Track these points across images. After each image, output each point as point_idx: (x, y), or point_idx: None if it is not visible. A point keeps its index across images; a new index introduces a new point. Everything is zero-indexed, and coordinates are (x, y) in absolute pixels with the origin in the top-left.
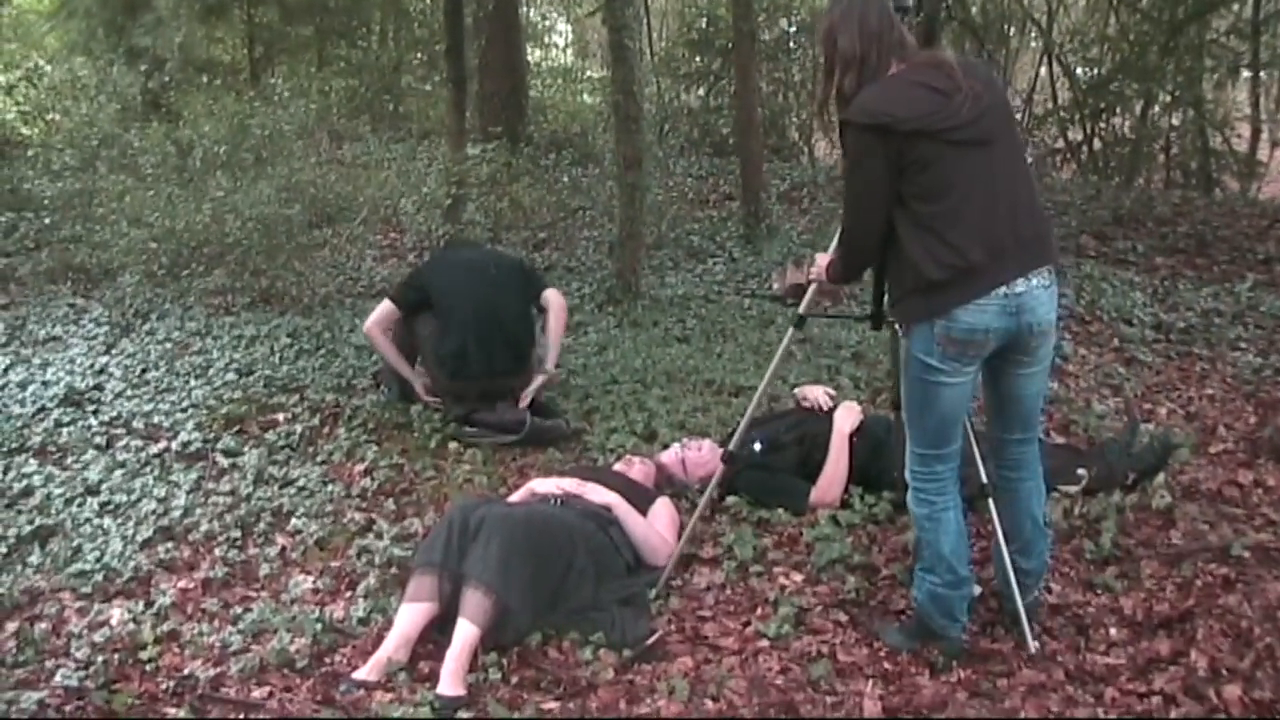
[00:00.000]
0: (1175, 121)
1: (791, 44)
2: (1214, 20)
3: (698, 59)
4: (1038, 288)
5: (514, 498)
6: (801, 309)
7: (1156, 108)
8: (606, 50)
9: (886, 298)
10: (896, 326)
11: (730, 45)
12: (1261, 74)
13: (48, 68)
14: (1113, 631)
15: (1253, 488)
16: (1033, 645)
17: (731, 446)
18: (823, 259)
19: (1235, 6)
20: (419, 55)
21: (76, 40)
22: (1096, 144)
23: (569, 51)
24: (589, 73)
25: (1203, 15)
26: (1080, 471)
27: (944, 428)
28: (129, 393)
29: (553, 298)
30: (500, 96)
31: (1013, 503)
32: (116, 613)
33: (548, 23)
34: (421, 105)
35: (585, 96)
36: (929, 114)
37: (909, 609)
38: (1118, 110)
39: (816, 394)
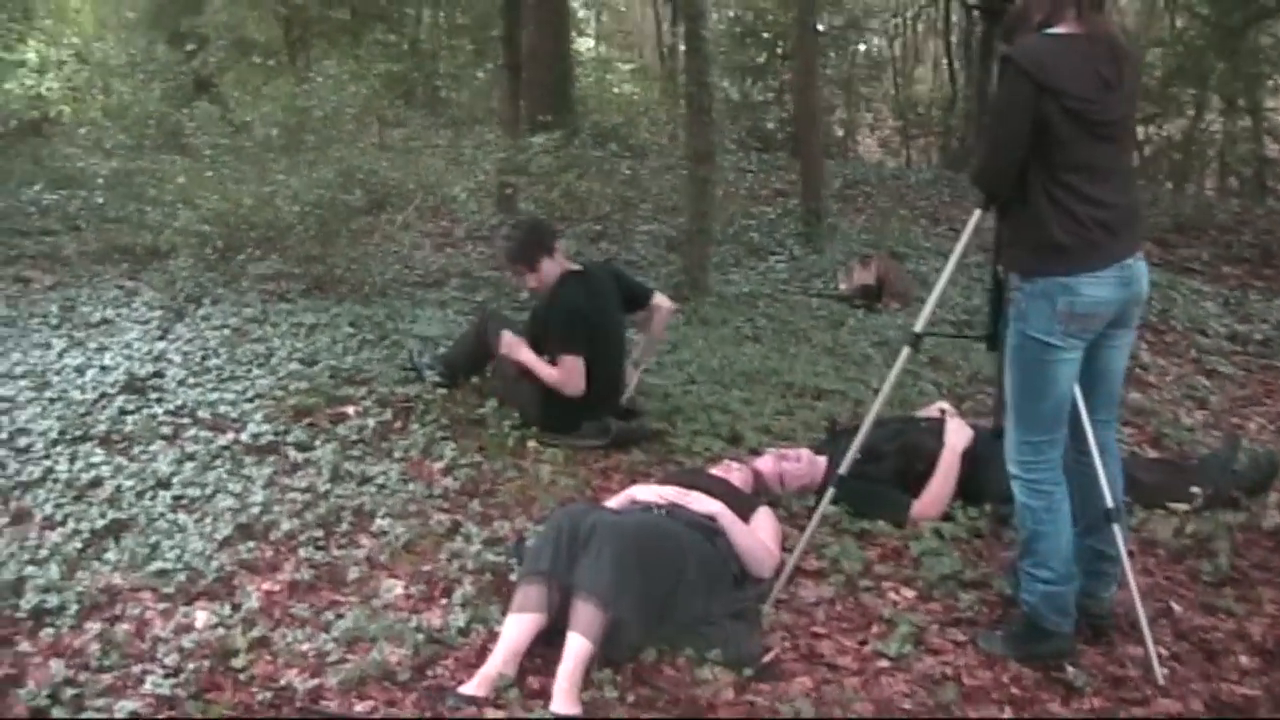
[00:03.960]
0: (1229, 128)
1: (840, 39)
2: (1274, 25)
3: (747, 53)
4: (1140, 259)
5: (613, 504)
6: (918, 327)
7: (1211, 114)
8: (644, 39)
9: (1002, 254)
10: (1012, 303)
11: (777, 38)
12: None
13: (96, 45)
14: (1243, 659)
15: None
16: (1160, 672)
17: (842, 470)
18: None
19: None
20: (461, 41)
21: (132, 19)
22: (1147, 149)
23: (601, 42)
24: (621, 64)
25: (1261, 20)
26: (1195, 490)
27: (1059, 408)
28: (191, 380)
29: (663, 302)
30: (547, 85)
31: (1091, 485)
32: (202, 615)
33: (589, 11)
34: (463, 92)
35: (623, 87)
36: (1090, 101)
37: (1008, 616)
38: (1171, 115)
39: (930, 410)
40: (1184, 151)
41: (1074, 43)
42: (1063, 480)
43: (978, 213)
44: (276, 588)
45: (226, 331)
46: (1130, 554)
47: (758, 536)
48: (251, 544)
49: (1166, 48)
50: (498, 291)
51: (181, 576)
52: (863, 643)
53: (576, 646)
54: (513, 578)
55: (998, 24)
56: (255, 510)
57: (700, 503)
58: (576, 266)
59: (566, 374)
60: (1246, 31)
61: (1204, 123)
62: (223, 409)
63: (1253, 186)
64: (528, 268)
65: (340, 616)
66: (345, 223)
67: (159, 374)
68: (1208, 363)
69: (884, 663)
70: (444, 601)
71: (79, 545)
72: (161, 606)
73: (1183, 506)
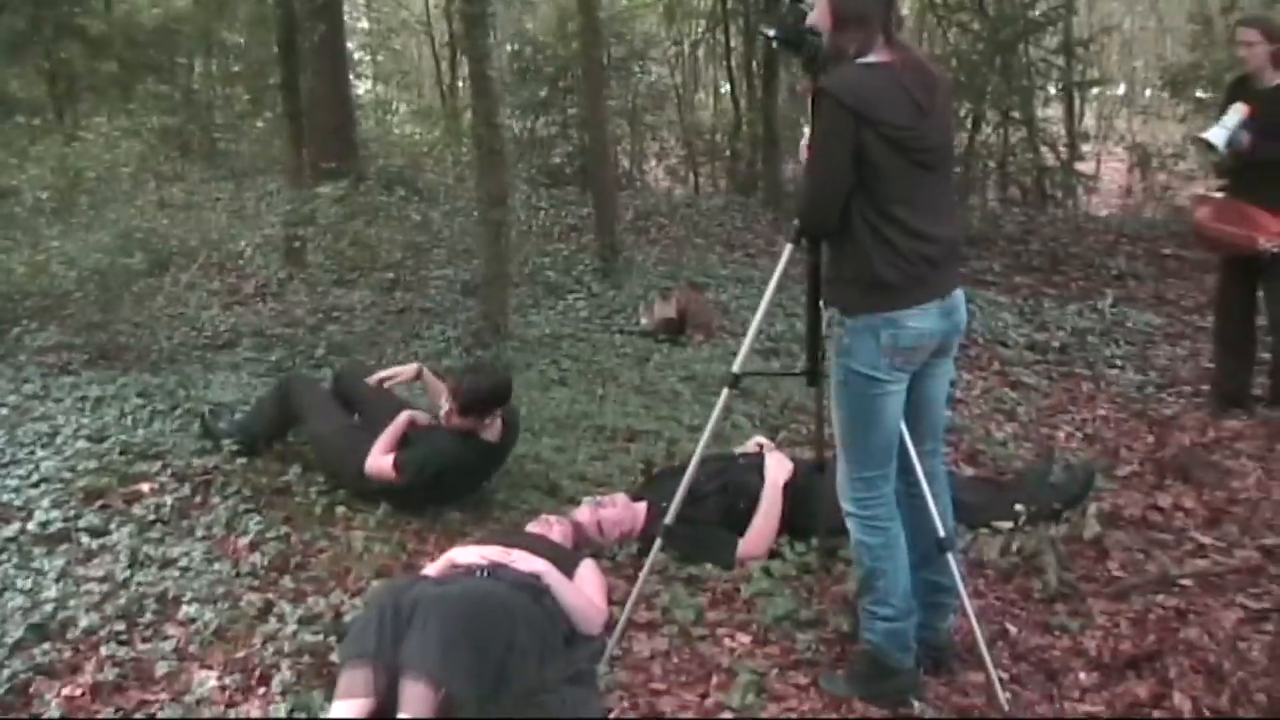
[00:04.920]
0: (1006, 140)
1: (622, 70)
2: (1042, 38)
3: (529, 88)
4: (959, 289)
5: (431, 570)
6: (736, 367)
7: (987, 127)
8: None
9: (823, 289)
10: (831, 344)
11: (558, 72)
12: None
13: None
14: (1082, 676)
15: (1173, 511)
16: (1003, 698)
17: (668, 520)
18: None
19: (1060, 25)
20: (237, 90)
21: None
22: None
23: (379, 83)
24: (399, 105)
25: (1030, 34)
26: (1019, 508)
27: (889, 441)
28: None
29: None
30: (330, 131)
31: (922, 515)
32: None
33: (365, 53)
34: (243, 142)
35: (405, 128)
36: (907, 128)
37: (848, 653)
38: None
39: (749, 446)
40: (965, 165)
41: (888, 71)
42: (898, 515)
43: (789, 247)
44: (79, 692)
45: (5, 411)
46: (961, 577)
47: (584, 593)
48: (47, 645)
49: (942, 63)
50: (291, 350)
51: None
52: (704, 696)
53: None
54: (333, 658)
55: (793, 53)
56: (49, 607)
57: (524, 561)
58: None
59: (382, 471)
60: (1017, 45)
61: (982, 135)
62: (5, 497)
63: (1034, 195)
64: (476, 418)
65: (152, 718)
66: (127, 286)
67: None
68: (1011, 374)
69: (728, 715)
70: (263, 691)
71: None
72: None
73: (1007, 524)
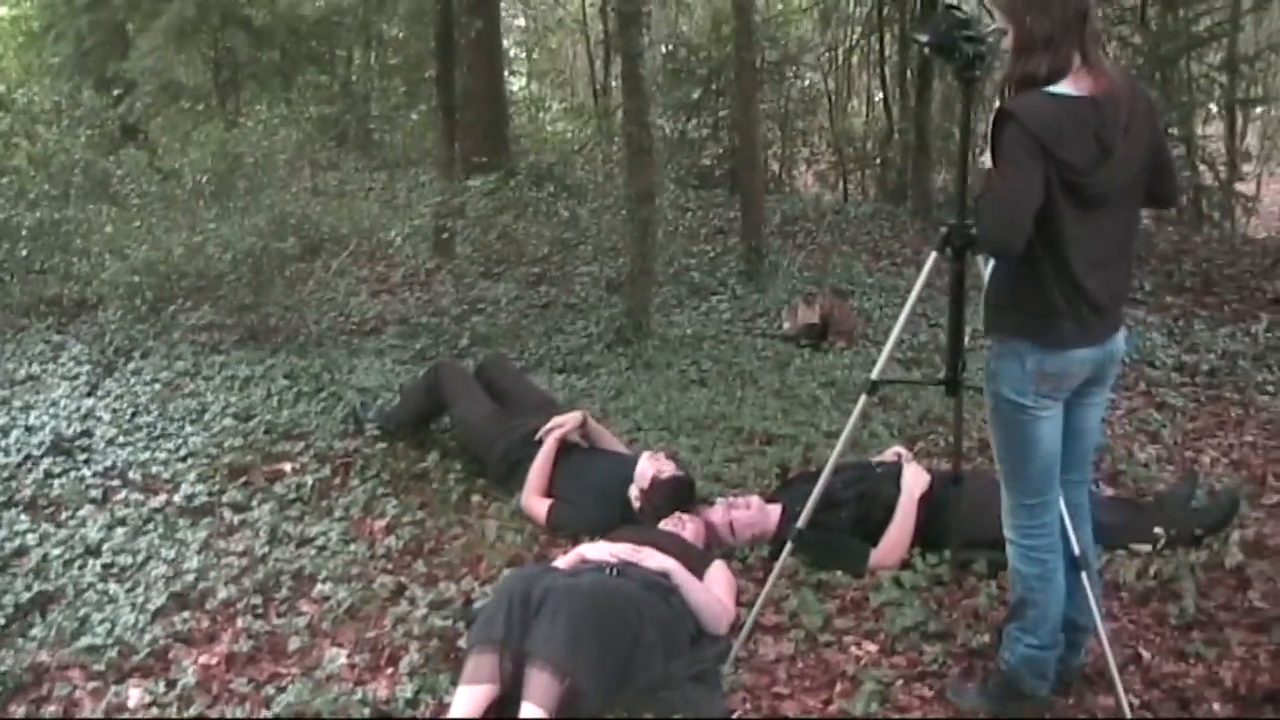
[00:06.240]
0: None
1: (775, 74)
2: (1205, 54)
3: (682, 89)
4: (1120, 330)
5: (562, 563)
6: (875, 374)
7: None
8: (577, 76)
9: (984, 314)
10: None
11: (711, 74)
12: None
13: (19, 91)
14: (1216, 706)
15: None
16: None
17: (800, 524)
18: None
19: (1224, 41)
20: (394, 82)
21: (56, 64)
22: None
23: (533, 81)
24: (552, 102)
25: (1192, 49)
26: (1158, 531)
27: (1048, 468)
28: (121, 439)
29: None
30: (482, 126)
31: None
32: (135, 694)
33: (521, 50)
34: (398, 134)
35: (557, 125)
36: (1084, 174)
37: (986, 669)
38: None
39: (886, 455)
40: None
41: (1078, 107)
42: (1058, 548)
43: (933, 255)
44: (214, 661)
45: (157, 386)
46: (1095, 599)
47: (713, 592)
48: (187, 614)
49: None
50: (435, 339)
51: (113, 652)
52: (827, 702)
53: (532, 717)
54: (461, 643)
55: (946, 60)
56: (190, 577)
57: (653, 559)
58: None
59: (535, 516)
60: (1178, 61)
61: None
62: (154, 469)
63: (1190, 215)
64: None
65: (282, 690)
66: (279, 270)
67: (87, 433)
68: (1158, 395)
69: None
70: (390, 671)
71: (2, 621)
72: (92, 685)
73: (1145, 547)
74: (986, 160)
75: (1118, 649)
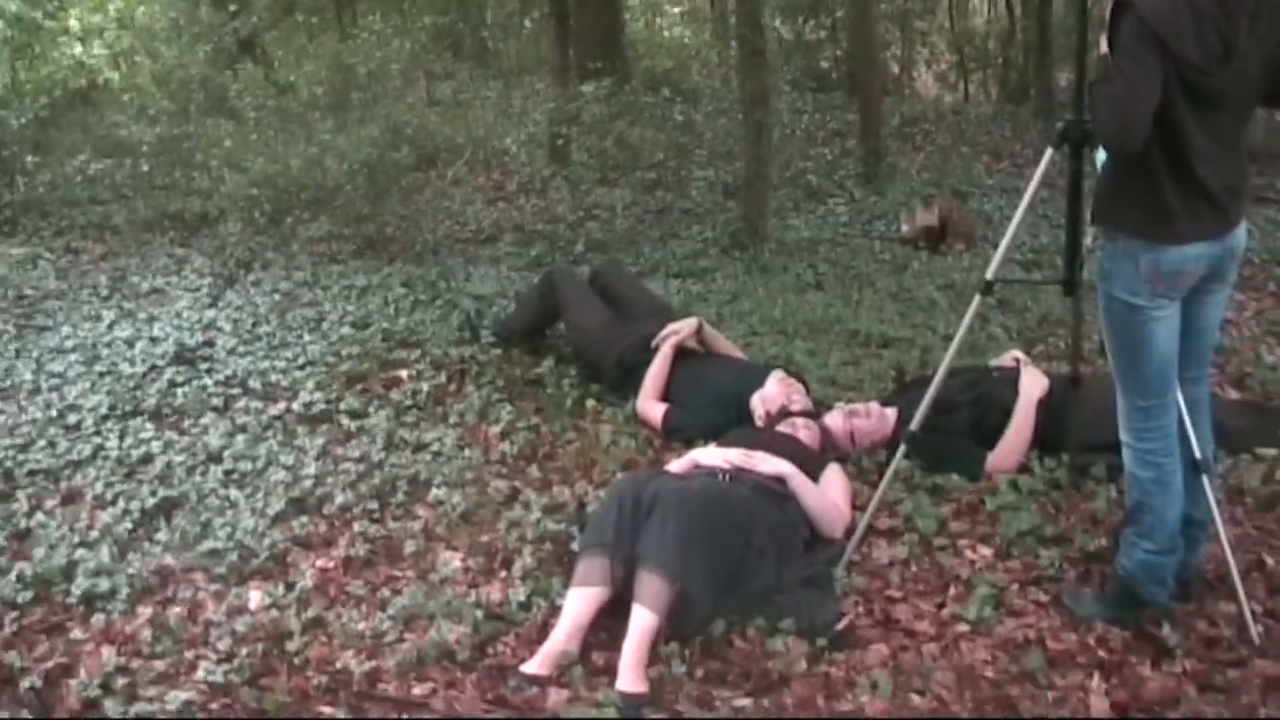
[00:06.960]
0: None
1: None
2: None
3: None
4: (1241, 224)
5: (675, 468)
6: (989, 274)
7: None
8: None
9: (1093, 208)
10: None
11: None
12: None
13: (139, 9)
14: None
15: None
16: (1255, 631)
17: (914, 426)
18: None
19: None
20: None
21: None
22: None
23: None
24: (670, 7)
25: None
26: None
27: (1164, 370)
28: (241, 349)
29: None
30: (596, 32)
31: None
32: (255, 596)
33: None
34: (511, 42)
35: (673, 30)
36: (1206, 73)
37: (1103, 575)
38: None
39: (1004, 359)
40: None
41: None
42: (1175, 451)
43: (1050, 152)
44: (331, 565)
45: (277, 297)
46: (1217, 502)
47: (829, 496)
48: (305, 519)
49: None
50: (551, 246)
51: (234, 556)
52: (940, 606)
53: (642, 621)
54: (574, 547)
55: None
56: (308, 483)
57: (767, 463)
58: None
59: (650, 420)
60: None
61: None
62: (274, 378)
63: None
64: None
65: (397, 593)
66: (395, 181)
67: (209, 343)
68: None
69: (963, 627)
70: (504, 574)
71: (129, 526)
72: (214, 588)
73: (1271, 451)
74: (1103, 45)
75: (1240, 555)
